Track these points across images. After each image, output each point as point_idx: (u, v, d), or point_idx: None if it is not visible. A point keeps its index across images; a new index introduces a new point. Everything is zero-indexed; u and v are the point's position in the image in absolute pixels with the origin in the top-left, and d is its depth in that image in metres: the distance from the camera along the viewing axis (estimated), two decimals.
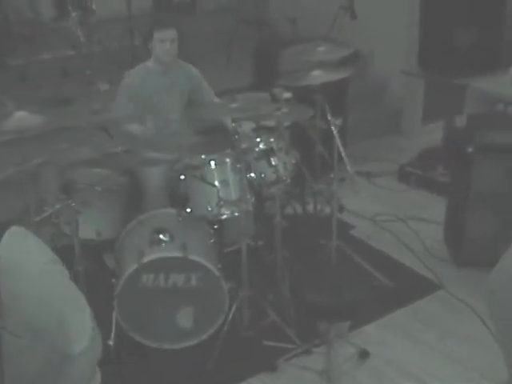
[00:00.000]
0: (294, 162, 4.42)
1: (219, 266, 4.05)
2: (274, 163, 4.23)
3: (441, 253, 5.00)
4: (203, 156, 4.14)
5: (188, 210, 4.16)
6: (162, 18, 4.91)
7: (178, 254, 3.90)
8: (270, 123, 4.73)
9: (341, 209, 4.97)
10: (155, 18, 4.88)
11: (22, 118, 4.31)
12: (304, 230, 4.96)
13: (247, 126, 4.67)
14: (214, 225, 4.34)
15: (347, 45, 5.00)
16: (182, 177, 4.20)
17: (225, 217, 4.10)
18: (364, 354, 4.04)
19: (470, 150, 4.55)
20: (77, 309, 2.22)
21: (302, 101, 4.80)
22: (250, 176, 4.18)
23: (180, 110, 4.88)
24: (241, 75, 6.61)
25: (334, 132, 4.20)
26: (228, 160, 4.12)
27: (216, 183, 4.08)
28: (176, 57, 4.79)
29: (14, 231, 2.11)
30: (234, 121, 3.92)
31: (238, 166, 3.91)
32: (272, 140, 4.31)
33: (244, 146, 4.10)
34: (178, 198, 4.37)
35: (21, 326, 2.04)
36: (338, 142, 4.20)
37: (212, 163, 4.11)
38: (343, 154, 4.23)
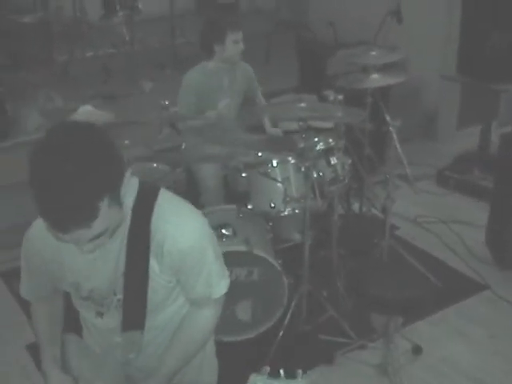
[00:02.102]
0: (350, 162, 4.53)
1: (279, 261, 4.16)
2: (332, 163, 4.34)
3: (484, 255, 5.10)
4: (266, 154, 4.25)
5: (249, 206, 4.27)
6: (234, 19, 4.93)
7: (242, 248, 4.00)
8: (318, 124, 4.84)
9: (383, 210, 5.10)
10: (227, 19, 4.89)
11: (88, 112, 4.44)
12: (355, 229, 5.07)
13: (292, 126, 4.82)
14: (270, 222, 4.46)
15: (397, 49, 5.09)
16: (244, 174, 4.30)
17: (286, 213, 4.21)
18: (417, 350, 4.15)
19: None
20: (219, 257, 2.45)
21: (352, 103, 4.90)
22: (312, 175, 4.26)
23: (237, 108, 4.99)
24: (281, 77, 6.72)
25: (393, 133, 4.30)
26: (290, 158, 4.23)
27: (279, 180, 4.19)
28: None
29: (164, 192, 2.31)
30: (300, 120, 4.02)
31: (307, 164, 4.01)
32: (330, 140, 4.42)
33: (304, 145, 4.21)
34: (237, 194, 4.48)
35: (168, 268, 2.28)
36: (397, 143, 4.31)
37: (274, 161, 4.21)
38: (401, 156, 4.35)
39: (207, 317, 2.47)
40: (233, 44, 4.74)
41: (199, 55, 5.10)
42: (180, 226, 2.23)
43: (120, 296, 2.28)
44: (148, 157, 4.60)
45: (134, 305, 2.27)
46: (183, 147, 4.36)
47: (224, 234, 4.12)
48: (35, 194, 1.90)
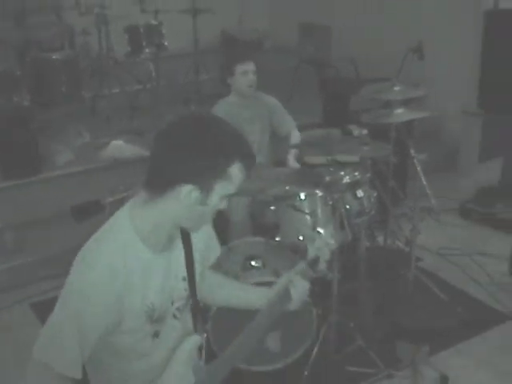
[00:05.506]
0: (375, 195, 4.61)
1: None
2: (359, 195, 4.43)
3: (508, 286, 5.16)
4: (294, 187, 4.35)
5: (277, 238, 4.35)
6: (241, 51, 5.17)
7: (271, 278, 4.05)
8: (344, 158, 4.94)
9: (407, 242, 5.19)
10: (234, 52, 5.14)
11: (119, 146, 4.57)
12: (380, 261, 5.15)
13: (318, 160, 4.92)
14: (298, 253, 4.53)
15: (419, 85, 5.19)
16: (272, 207, 4.38)
17: None
18: (444, 379, 4.18)
19: None
20: None
21: (375, 137, 5.00)
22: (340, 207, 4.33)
23: (262, 141, 5.13)
24: (304, 112, 6.83)
25: (418, 167, 4.40)
26: (317, 191, 4.32)
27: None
28: (255, 88, 5.07)
29: None
30: (329, 154, 4.12)
31: (336, 196, 4.10)
32: (356, 174, 4.51)
33: (331, 178, 4.30)
34: (264, 227, 4.56)
35: None
36: (422, 176, 4.40)
37: (302, 194, 4.30)
38: (427, 189, 4.44)
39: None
40: (241, 75, 4.98)
41: (222, 91, 5.28)
42: None
43: (177, 304, 2.42)
44: None
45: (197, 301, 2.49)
46: None
47: (253, 265, 4.20)
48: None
